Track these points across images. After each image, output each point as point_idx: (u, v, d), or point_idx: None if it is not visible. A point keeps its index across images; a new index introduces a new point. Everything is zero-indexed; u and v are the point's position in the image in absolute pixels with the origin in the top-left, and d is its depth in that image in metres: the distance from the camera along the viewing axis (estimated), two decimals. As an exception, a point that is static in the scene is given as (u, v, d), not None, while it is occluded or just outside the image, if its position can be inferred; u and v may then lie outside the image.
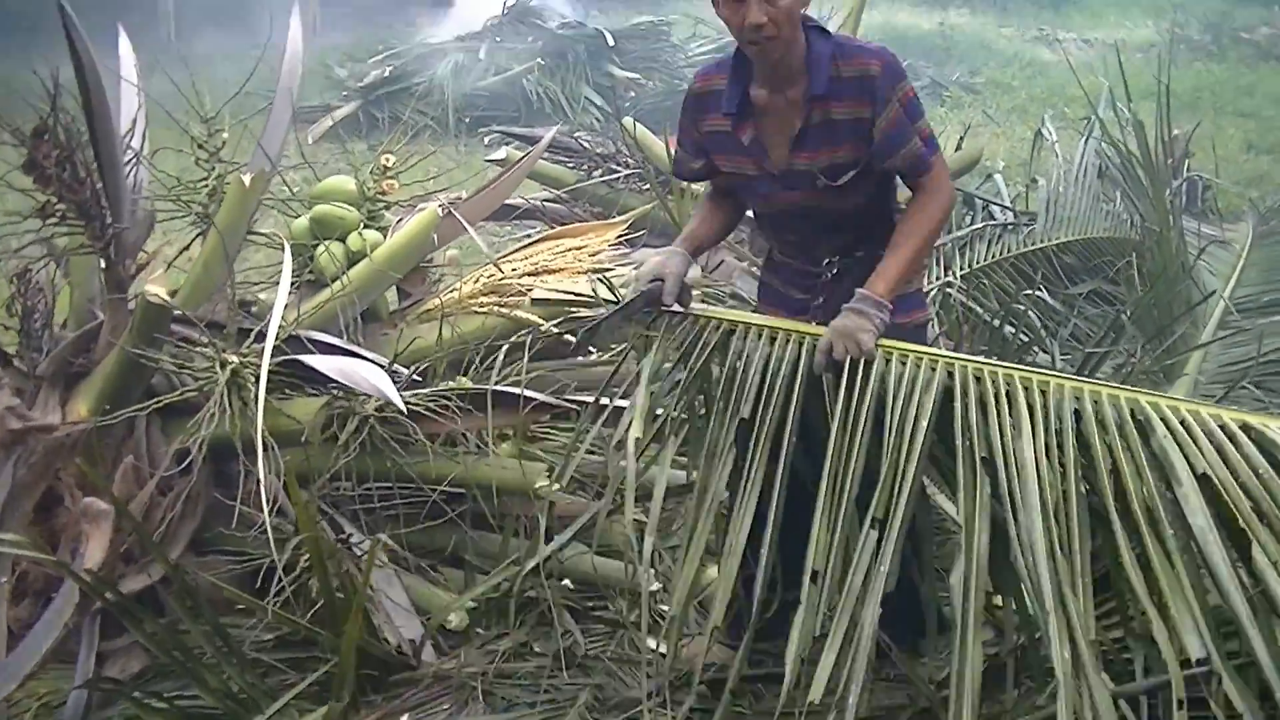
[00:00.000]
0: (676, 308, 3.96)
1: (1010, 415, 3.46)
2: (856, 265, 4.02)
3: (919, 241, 3.95)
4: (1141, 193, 8.19)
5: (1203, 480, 3.11)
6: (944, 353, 3.80)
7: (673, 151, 4.41)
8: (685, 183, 5.96)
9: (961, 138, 9.80)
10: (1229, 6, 27.10)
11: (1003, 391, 3.53)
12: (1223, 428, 3.31)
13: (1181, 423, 3.34)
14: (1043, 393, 3.52)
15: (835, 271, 4.06)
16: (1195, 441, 3.24)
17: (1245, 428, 3.29)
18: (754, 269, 6.48)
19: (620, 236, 5.55)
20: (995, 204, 8.20)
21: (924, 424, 3.49)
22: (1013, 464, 3.31)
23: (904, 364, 3.69)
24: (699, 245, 4.17)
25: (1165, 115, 8.51)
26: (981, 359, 3.75)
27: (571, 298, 4.41)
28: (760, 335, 3.89)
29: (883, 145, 3.84)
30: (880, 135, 3.82)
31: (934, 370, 3.65)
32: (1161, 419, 3.36)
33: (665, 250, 4.02)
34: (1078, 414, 3.45)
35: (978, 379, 3.60)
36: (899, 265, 3.87)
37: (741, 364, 3.82)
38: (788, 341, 3.85)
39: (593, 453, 4.61)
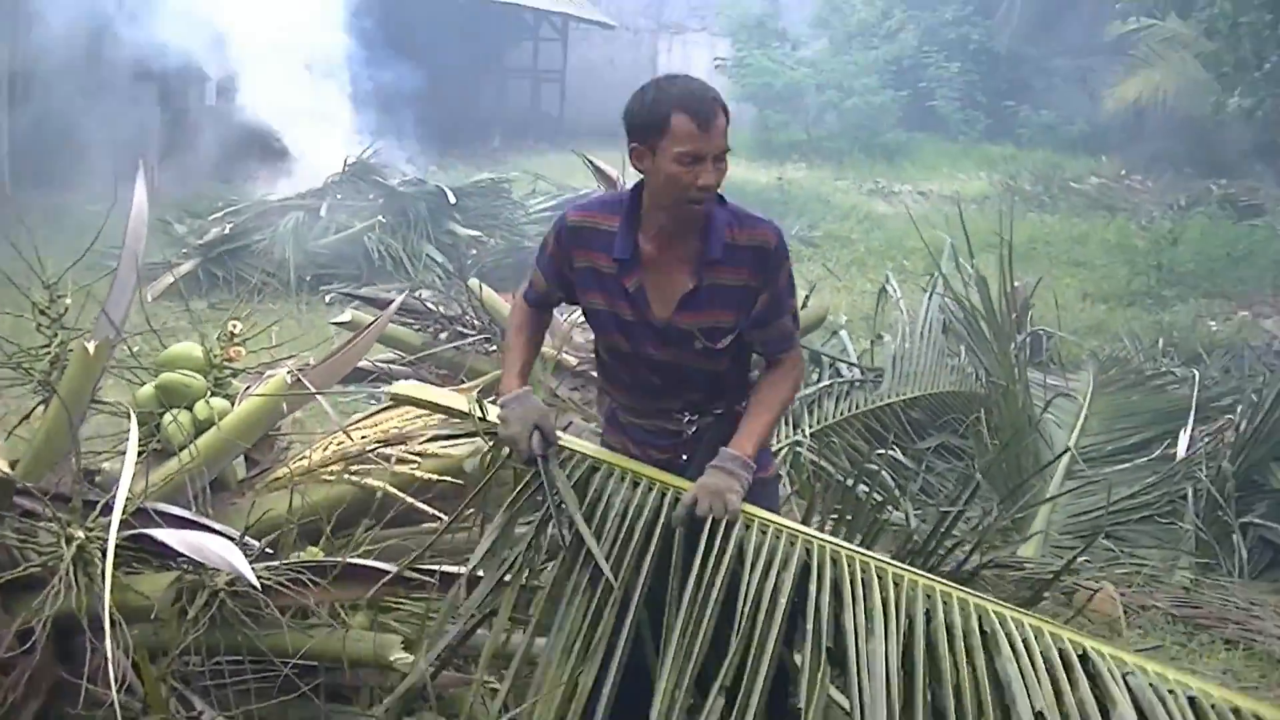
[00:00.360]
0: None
1: (864, 606, 3.50)
2: (715, 423, 4.13)
3: (780, 409, 4.14)
4: (986, 347, 8.35)
5: (1039, 717, 3.19)
6: (803, 529, 3.83)
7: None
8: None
9: (808, 296, 9.89)
10: (1059, 158, 28.02)
11: (858, 579, 3.59)
12: (1061, 652, 3.42)
13: (1024, 642, 3.43)
14: (896, 585, 3.58)
15: (695, 430, 4.15)
16: (1035, 671, 3.34)
17: (1083, 657, 3.42)
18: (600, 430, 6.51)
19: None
20: (842, 361, 8.29)
21: (783, 600, 3.52)
22: (863, 657, 3.35)
23: (764, 534, 3.71)
24: (528, 373, 4.33)
25: (1008, 270, 8.69)
26: (839, 540, 3.80)
27: (442, 405, 4.39)
28: (624, 478, 3.90)
29: (760, 316, 4.00)
30: (761, 307, 3.98)
31: (793, 545, 3.68)
32: (1007, 635, 3.44)
33: (514, 398, 4.11)
34: (928, 615, 3.50)
35: (834, 562, 3.64)
36: (763, 428, 4.03)
37: (601, 505, 3.83)
38: (650, 489, 3.86)
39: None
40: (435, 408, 4.42)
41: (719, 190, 3.91)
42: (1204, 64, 23.67)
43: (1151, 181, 26.32)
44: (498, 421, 4.13)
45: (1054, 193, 24.09)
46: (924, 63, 32.63)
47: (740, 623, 3.50)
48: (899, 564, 3.80)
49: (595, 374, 4.57)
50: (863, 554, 3.72)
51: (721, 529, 3.72)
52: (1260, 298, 15.69)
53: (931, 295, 8.94)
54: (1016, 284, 9.91)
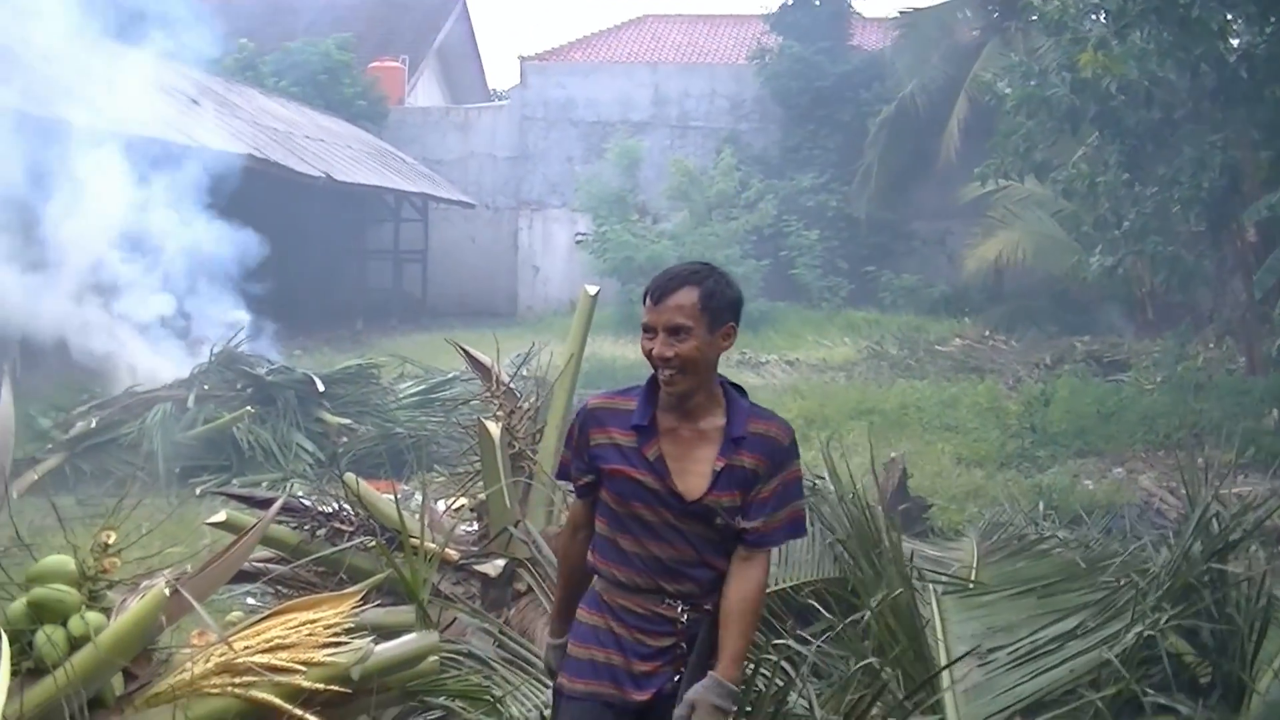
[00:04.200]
0: None
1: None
2: (704, 621, 4.31)
3: (756, 617, 4.32)
4: (870, 544, 8.14)
5: None
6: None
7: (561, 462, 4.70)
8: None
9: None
10: (922, 321, 28.43)
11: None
12: None
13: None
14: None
15: (685, 621, 4.30)
16: None
17: None
18: (487, 627, 6.41)
19: (354, 605, 5.38)
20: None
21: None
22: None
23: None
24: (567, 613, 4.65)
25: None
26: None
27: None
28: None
29: (756, 507, 4.22)
30: (769, 494, 4.24)
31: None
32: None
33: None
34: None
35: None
36: (744, 644, 4.28)
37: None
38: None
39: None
40: None
41: (685, 368, 4.18)
42: (1062, 224, 24.26)
43: (1015, 341, 26.64)
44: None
45: (920, 356, 24.28)
46: (784, 231, 33.13)
47: None
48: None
49: (591, 555, 4.56)
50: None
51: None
52: (1133, 454, 15.74)
53: (812, 487, 8.80)
54: (894, 455, 9.86)
